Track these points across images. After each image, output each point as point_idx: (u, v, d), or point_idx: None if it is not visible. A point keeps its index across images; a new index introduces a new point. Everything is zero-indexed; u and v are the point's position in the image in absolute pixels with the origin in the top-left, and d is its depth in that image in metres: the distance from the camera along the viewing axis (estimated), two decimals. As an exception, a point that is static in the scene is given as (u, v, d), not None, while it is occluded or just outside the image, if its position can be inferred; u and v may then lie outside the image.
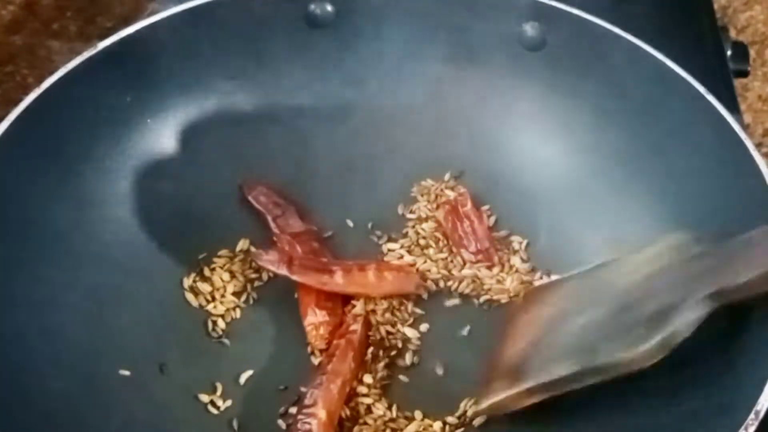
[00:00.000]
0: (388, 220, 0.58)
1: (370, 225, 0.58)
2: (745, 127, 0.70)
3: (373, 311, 0.53)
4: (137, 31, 0.55)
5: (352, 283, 0.53)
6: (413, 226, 0.58)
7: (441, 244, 0.57)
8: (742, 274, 0.43)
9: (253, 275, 0.55)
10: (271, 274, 0.55)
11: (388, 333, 0.53)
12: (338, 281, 0.53)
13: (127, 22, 0.56)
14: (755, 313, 0.46)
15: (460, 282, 0.55)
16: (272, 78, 0.60)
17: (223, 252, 0.56)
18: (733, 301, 0.44)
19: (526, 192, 0.59)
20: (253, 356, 0.52)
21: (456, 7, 0.59)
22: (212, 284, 0.55)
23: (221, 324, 0.53)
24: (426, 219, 0.58)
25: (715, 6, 0.75)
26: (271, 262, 0.53)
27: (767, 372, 0.42)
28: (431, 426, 0.49)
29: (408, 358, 0.52)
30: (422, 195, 0.59)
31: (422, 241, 0.57)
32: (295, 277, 0.53)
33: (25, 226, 0.50)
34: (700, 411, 0.45)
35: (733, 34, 0.88)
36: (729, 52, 0.70)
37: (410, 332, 0.53)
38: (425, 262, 0.56)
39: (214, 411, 0.50)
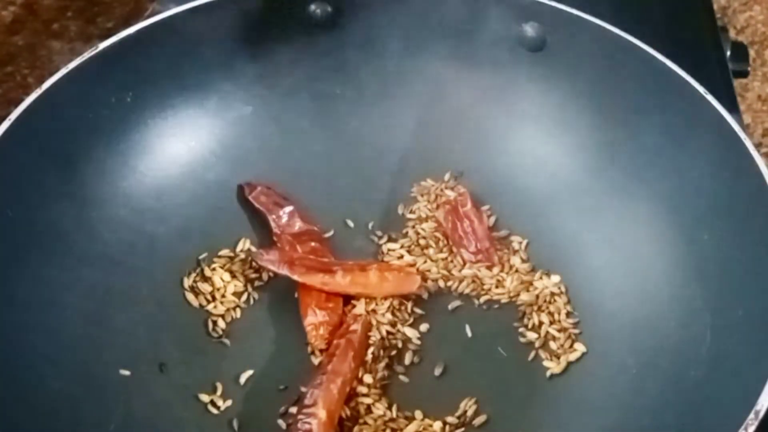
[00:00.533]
0: (388, 220, 0.58)
1: (370, 225, 0.58)
2: (745, 127, 0.70)
3: (374, 311, 0.53)
4: (137, 32, 0.55)
5: (353, 283, 0.53)
6: (413, 226, 0.58)
7: (441, 244, 0.57)
8: None
9: (254, 275, 0.55)
10: (271, 274, 0.55)
11: (388, 333, 0.53)
12: (339, 281, 0.53)
13: (127, 23, 0.56)
14: (755, 311, 0.46)
15: (460, 282, 0.55)
16: (272, 78, 0.60)
17: (224, 252, 0.56)
18: None
19: (526, 192, 0.59)
20: (253, 356, 0.52)
21: (456, 7, 0.59)
22: (212, 284, 0.55)
23: (221, 324, 0.53)
24: (426, 219, 0.58)
25: (715, 6, 0.75)
26: (271, 262, 0.53)
27: (767, 372, 0.42)
28: (431, 426, 0.49)
29: (408, 358, 0.52)
30: (422, 195, 0.59)
31: (422, 241, 0.57)
32: (296, 278, 0.53)
33: (25, 226, 0.50)
34: (700, 411, 0.45)
35: (732, 34, 0.87)
36: (729, 53, 0.70)
37: (410, 332, 0.53)
38: (425, 262, 0.56)
39: (214, 411, 0.50)
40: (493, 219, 0.58)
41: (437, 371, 0.52)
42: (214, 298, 0.54)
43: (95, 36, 0.71)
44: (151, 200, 0.56)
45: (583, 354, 0.52)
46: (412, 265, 0.56)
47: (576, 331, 0.53)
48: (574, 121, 0.58)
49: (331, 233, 0.58)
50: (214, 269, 0.55)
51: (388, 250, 0.57)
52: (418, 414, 0.50)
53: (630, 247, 0.54)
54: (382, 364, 0.51)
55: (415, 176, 0.60)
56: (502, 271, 0.56)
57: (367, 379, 0.51)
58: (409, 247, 0.57)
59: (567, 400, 0.50)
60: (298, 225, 0.56)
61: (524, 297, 0.54)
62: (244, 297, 0.55)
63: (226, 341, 0.53)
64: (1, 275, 0.48)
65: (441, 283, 0.55)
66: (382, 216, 0.58)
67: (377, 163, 0.60)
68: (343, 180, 0.60)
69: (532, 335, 0.53)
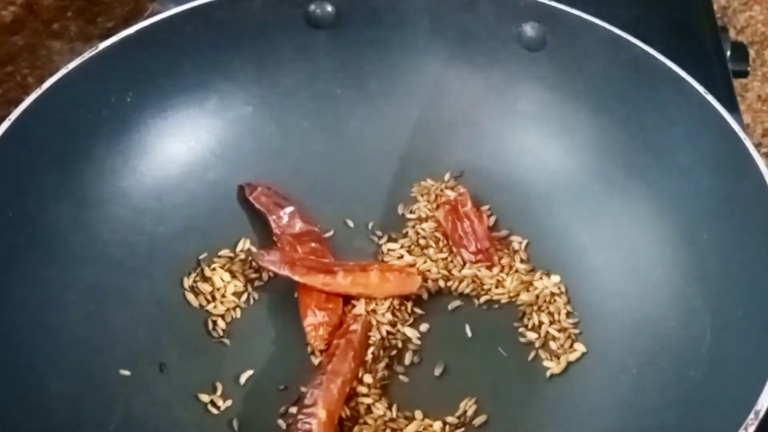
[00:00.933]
0: (388, 220, 0.58)
1: (370, 225, 0.58)
2: (745, 127, 0.70)
3: (374, 311, 0.53)
4: (138, 32, 0.55)
5: (354, 283, 0.53)
6: (413, 226, 0.58)
7: (441, 244, 0.57)
8: None
9: (254, 275, 0.55)
10: (271, 274, 0.55)
11: (389, 333, 0.53)
12: (340, 282, 0.53)
13: (127, 23, 0.56)
14: (755, 311, 0.46)
15: (460, 282, 0.55)
16: (272, 78, 0.60)
17: (224, 252, 0.56)
18: None
19: (526, 192, 0.58)
20: (253, 356, 0.52)
21: (456, 7, 0.59)
22: (212, 284, 0.55)
23: (221, 324, 0.53)
24: (426, 219, 0.58)
25: (715, 6, 0.75)
26: (272, 262, 0.53)
27: (767, 372, 0.42)
28: (431, 426, 0.49)
29: (408, 358, 0.52)
30: (422, 195, 0.59)
31: (422, 241, 0.57)
32: (297, 278, 0.53)
33: (25, 226, 0.50)
34: (700, 411, 0.45)
35: (732, 34, 0.88)
36: (729, 53, 0.70)
37: (410, 332, 0.53)
38: (425, 262, 0.56)
39: (214, 411, 0.50)
40: (493, 219, 0.58)
41: (437, 371, 0.52)
42: (214, 298, 0.54)
43: (95, 36, 0.71)
44: (151, 200, 0.56)
45: (583, 354, 0.52)
46: (412, 265, 0.56)
47: (576, 331, 0.53)
48: (574, 121, 0.58)
49: (331, 233, 0.58)
50: (214, 269, 0.55)
51: (388, 250, 0.57)
52: (418, 414, 0.50)
53: (630, 247, 0.54)
54: (382, 364, 0.51)
55: (415, 176, 0.60)
56: (502, 271, 0.56)
57: (367, 379, 0.51)
58: (409, 247, 0.57)
59: (567, 400, 0.50)
60: (298, 225, 0.56)
61: (524, 297, 0.54)
62: (244, 297, 0.55)
63: (226, 341, 0.53)
64: (1, 275, 0.48)
65: (441, 283, 0.55)
66: (382, 216, 0.58)
67: (377, 163, 0.60)
68: (343, 180, 0.60)
69: (532, 335, 0.53)
